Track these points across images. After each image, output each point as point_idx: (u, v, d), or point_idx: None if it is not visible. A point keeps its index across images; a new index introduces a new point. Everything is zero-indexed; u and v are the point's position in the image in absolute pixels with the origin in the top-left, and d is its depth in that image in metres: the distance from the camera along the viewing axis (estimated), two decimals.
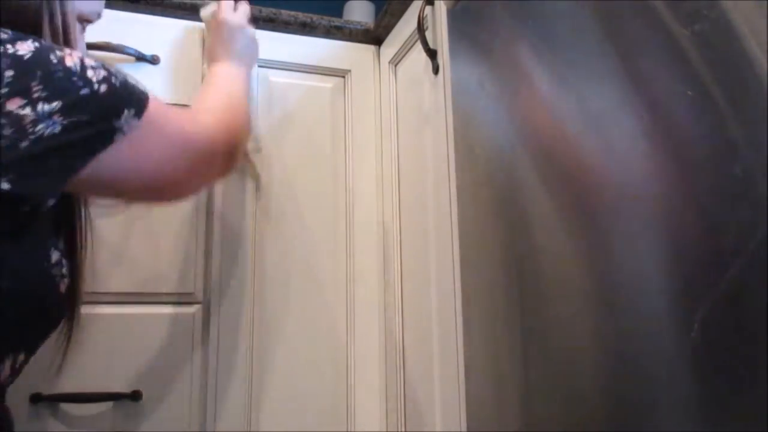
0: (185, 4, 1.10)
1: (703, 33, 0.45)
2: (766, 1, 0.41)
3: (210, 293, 1.02)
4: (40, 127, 0.51)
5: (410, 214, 1.03)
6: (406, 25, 1.06)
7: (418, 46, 0.96)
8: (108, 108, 0.57)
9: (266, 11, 1.15)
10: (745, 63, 0.42)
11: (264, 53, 1.08)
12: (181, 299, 1.00)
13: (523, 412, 0.64)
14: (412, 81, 1.04)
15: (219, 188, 1.05)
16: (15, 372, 0.60)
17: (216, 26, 0.98)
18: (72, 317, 0.68)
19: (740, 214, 0.42)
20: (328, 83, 1.17)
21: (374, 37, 1.20)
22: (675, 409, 0.46)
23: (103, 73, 0.57)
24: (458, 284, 0.80)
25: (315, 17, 1.18)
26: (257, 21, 1.14)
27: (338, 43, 1.19)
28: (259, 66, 1.12)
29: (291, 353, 1.04)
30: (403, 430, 0.99)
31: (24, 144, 0.50)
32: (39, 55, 0.54)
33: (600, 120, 0.56)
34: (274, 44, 1.14)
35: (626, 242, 0.52)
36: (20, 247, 0.55)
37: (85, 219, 0.70)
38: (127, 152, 0.60)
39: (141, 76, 1.05)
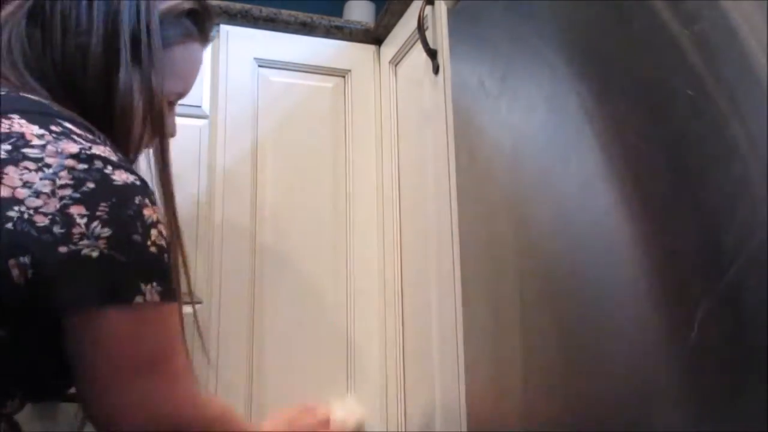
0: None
1: (703, 33, 0.45)
2: (766, 1, 0.41)
3: (210, 293, 1.02)
4: (83, 242, 0.51)
5: (410, 213, 1.03)
6: (406, 25, 1.06)
7: (419, 45, 0.96)
8: (145, 267, 0.55)
9: (266, 11, 1.15)
10: (745, 63, 0.42)
11: (264, 53, 1.08)
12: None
13: (524, 412, 0.64)
14: (412, 81, 1.04)
15: (220, 185, 1.05)
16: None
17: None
18: None
19: (740, 214, 0.42)
20: (328, 83, 1.17)
21: (374, 37, 1.20)
22: (675, 409, 0.46)
23: (163, 242, 0.57)
24: (458, 284, 0.80)
25: (315, 17, 1.18)
26: (257, 21, 1.14)
27: (338, 42, 1.19)
28: (259, 66, 1.12)
29: (291, 353, 1.04)
30: (404, 430, 0.99)
31: (62, 249, 0.50)
32: (125, 189, 0.55)
33: (600, 120, 0.56)
34: (274, 44, 1.14)
35: (626, 242, 0.52)
36: None
37: None
38: (136, 323, 0.55)
39: None
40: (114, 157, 0.56)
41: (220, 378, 1.00)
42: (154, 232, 0.55)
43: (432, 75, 0.92)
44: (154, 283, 0.55)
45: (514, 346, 0.66)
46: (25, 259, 0.50)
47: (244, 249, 1.05)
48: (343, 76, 1.18)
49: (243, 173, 1.08)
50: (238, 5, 1.15)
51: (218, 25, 1.15)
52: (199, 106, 1.09)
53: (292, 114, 1.13)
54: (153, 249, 0.55)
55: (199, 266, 1.02)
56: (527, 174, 0.67)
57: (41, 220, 0.50)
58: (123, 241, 0.53)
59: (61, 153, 0.52)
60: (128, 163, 0.59)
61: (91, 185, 0.52)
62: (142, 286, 0.54)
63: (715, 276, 0.43)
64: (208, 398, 0.70)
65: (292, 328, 1.05)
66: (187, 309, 0.99)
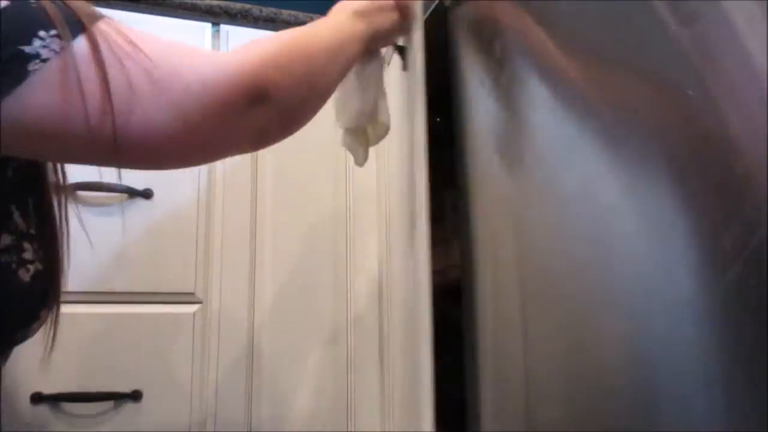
0: (186, 3, 1.10)
1: (703, 33, 0.45)
2: (766, 1, 0.41)
3: (210, 293, 1.02)
4: None
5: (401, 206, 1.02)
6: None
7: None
8: (10, 31, 0.45)
9: (267, 11, 1.15)
10: (745, 63, 0.42)
11: None
12: (181, 299, 1.01)
13: (525, 413, 0.64)
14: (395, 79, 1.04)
15: (220, 185, 1.05)
16: None
17: None
18: (54, 309, 0.62)
19: (740, 214, 0.41)
20: None
21: None
22: (675, 409, 0.46)
23: None
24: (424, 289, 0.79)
25: (315, 17, 1.18)
26: (257, 21, 1.14)
27: None
28: None
29: (291, 352, 1.04)
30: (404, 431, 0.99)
31: None
32: None
33: (600, 120, 0.56)
34: None
35: (626, 242, 0.52)
36: None
37: (59, 195, 0.62)
38: (50, 87, 0.46)
39: None
40: None
41: (220, 378, 1.00)
42: None
43: (400, 72, 0.90)
44: (40, 33, 0.46)
45: (516, 345, 0.66)
46: None
47: (244, 249, 1.05)
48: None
49: (243, 173, 1.08)
50: (238, 5, 1.15)
51: (218, 25, 1.15)
52: None
53: None
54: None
55: (199, 266, 1.02)
56: (527, 173, 0.67)
57: None
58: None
59: None
60: None
61: None
62: (26, 48, 0.45)
63: (715, 276, 0.43)
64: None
65: (291, 327, 1.05)
66: (188, 309, 1.00)
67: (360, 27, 0.71)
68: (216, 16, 1.14)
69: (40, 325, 0.61)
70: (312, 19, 1.16)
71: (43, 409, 0.90)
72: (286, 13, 1.16)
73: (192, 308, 1.01)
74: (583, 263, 0.57)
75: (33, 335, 0.61)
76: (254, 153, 1.09)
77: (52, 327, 0.65)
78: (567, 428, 0.58)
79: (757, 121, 0.41)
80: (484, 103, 0.75)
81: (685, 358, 0.45)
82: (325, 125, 1.14)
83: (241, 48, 0.56)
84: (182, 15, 1.10)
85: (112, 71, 0.48)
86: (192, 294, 1.01)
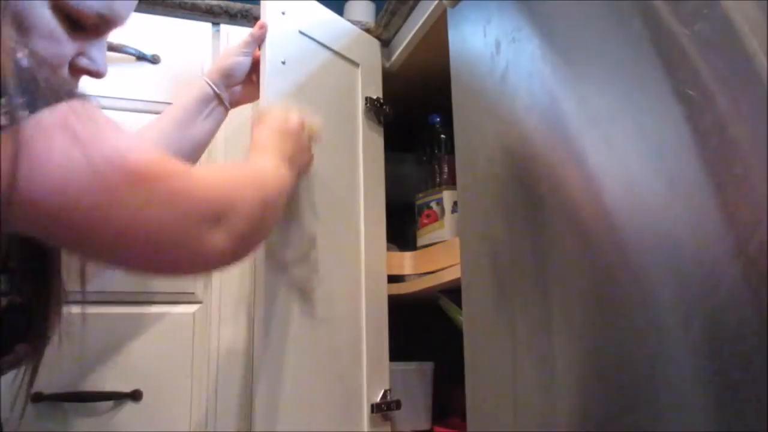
0: (186, 3, 1.10)
1: (703, 33, 0.45)
2: (766, 1, 0.41)
3: (210, 293, 1.02)
4: None
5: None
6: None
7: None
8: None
9: None
10: (745, 63, 0.42)
11: None
12: (181, 299, 1.01)
13: (523, 413, 0.64)
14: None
15: None
16: None
17: (269, 117, 0.85)
18: (45, 340, 0.59)
19: (740, 214, 0.41)
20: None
21: (375, 36, 1.21)
22: (674, 410, 0.46)
23: None
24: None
25: None
26: (256, 20, 1.14)
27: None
28: None
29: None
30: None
31: None
32: None
33: (601, 120, 0.56)
34: None
35: (626, 242, 0.52)
36: None
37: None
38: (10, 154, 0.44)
39: (141, 76, 1.06)
40: None
41: (220, 378, 1.00)
42: None
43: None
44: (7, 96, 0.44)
45: (515, 346, 0.66)
46: None
47: None
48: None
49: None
50: (238, 5, 1.15)
51: (218, 25, 1.15)
52: None
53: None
54: None
55: None
56: (528, 173, 0.66)
57: None
58: None
59: None
60: None
61: None
62: None
63: (715, 276, 0.43)
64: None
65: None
66: (188, 309, 1.00)
67: (293, 172, 0.81)
68: (216, 16, 1.14)
69: (17, 361, 0.58)
70: None
71: (43, 409, 0.90)
72: None
73: (192, 308, 1.01)
74: (583, 263, 0.57)
75: (9, 370, 0.59)
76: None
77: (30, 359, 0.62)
78: (557, 428, 0.58)
79: (757, 121, 0.41)
80: (484, 102, 0.75)
81: (685, 358, 0.45)
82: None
83: (207, 168, 0.59)
84: (182, 15, 1.10)
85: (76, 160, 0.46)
86: (192, 294, 1.01)
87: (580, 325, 0.57)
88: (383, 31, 1.20)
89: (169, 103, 1.06)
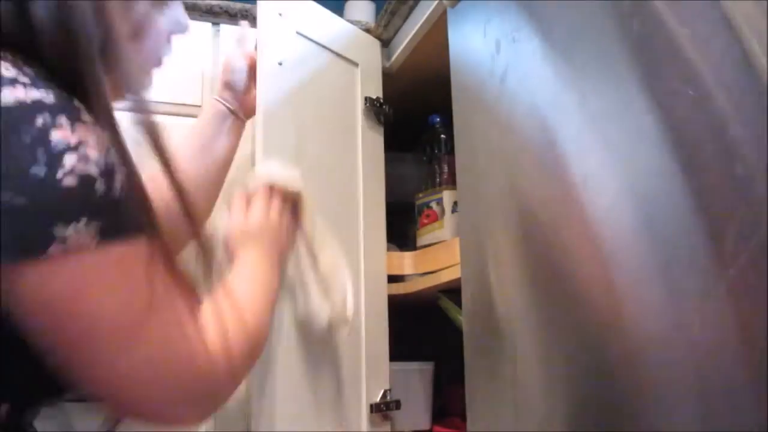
0: (186, 3, 1.10)
1: (702, 33, 0.45)
2: (766, 1, 0.41)
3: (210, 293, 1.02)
4: None
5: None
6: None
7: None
8: (57, 204, 0.43)
9: None
10: (745, 63, 0.42)
11: None
12: None
13: (523, 413, 0.64)
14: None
15: None
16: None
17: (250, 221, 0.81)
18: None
19: (740, 214, 0.41)
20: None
21: (375, 36, 1.21)
22: (674, 410, 0.46)
23: (92, 169, 0.45)
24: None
25: None
26: (254, 20, 1.14)
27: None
28: None
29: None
30: None
31: None
32: (17, 110, 0.43)
33: (600, 120, 0.56)
34: None
35: (625, 242, 0.52)
36: None
37: None
38: (65, 278, 0.45)
39: None
40: (8, 72, 0.44)
41: None
42: (70, 158, 0.43)
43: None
44: (83, 221, 0.44)
45: (514, 346, 0.66)
46: None
47: None
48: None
49: (243, 171, 1.07)
50: (238, 5, 1.15)
51: (218, 25, 1.15)
52: (199, 106, 1.09)
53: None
54: (69, 180, 0.43)
55: (199, 266, 1.01)
56: (528, 174, 0.67)
57: None
58: (16, 176, 0.42)
59: None
60: (44, 78, 0.46)
61: None
62: (58, 229, 0.43)
63: (715, 276, 0.43)
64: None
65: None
66: None
67: (281, 268, 0.81)
68: (216, 16, 1.14)
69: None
70: None
71: (44, 409, 0.90)
72: None
73: None
74: (583, 263, 0.57)
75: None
76: (254, 152, 1.08)
77: None
78: (557, 428, 0.58)
79: (757, 121, 0.41)
80: (484, 102, 0.75)
81: (685, 358, 0.45)
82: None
83: (212, 327, 0.57)
84: None
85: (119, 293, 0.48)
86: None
87: (580, 324, 0.57)
88: (383, 31, 1.20)
89: (170, 103, 1.05)
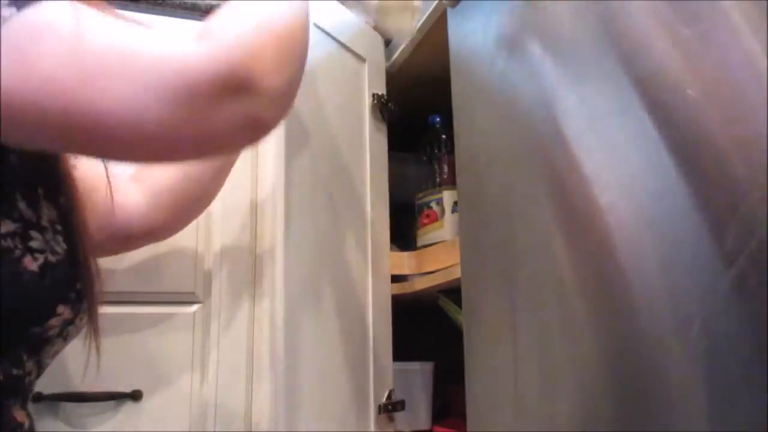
0: (186, 3, 1.10)
1: (703, 33, 0.45)
2: (766, 1, 0.41)
3: (210, 293, 1.02)
4: None
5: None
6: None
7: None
8: None
9: None
10: (745, 63, 0.42)
11: None
12: (181, 299, 1.00)
13: (523, 413, 0.64)
14: None
15: None
16: None
17: None
18: (86, 304, 0.58)
19: (740, 214, 0.41)
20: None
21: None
22: (674, 409, 0.46)
23: None
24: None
25: None
26: None
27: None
28: None
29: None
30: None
31: None
32: None
33: (600, 120, 0.56)
34: None
35: (626, 242, 0.52)
36: None
37: (67, 176, 0.61)
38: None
39: None
40: None
41: (220, 378, 1.00)
42: None
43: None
44: None
45: (514, 347, 0.66)
46: None
47: (244, 249, 1.05)
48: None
49: (243, 170, 1.07)
50: None
51: None
52: None
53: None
54: None
55: (199, 266, 1.02)
56: (528, 174, 0.66)
57: None
58: None
59: None
60: None
61: None
62: None
63: (715, 276, 0.43)
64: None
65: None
66: (188, 309, 1.00)
67: None
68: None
69: (64, 324, 0.57)
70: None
71: (43, 409, 0.90)
72: None
73: (192, 308, 1.01)
74: (583, 263, 0.57)
75: (58, 335, 0.58)
76: (254, 152, 1.08)
77: (90, 329, 0.62)
78: (557, 428, 0.58)
79: (757, 121, 0.41)
80: (484, 102, 0.75)
81: (685, 357, 0.45)
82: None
83: (214, 28, 0.51)
84: (182, 15, 1.10)
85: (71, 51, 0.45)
86: (192, 294, 1.01)
87: (580, 324, 0.57)
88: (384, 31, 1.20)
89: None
